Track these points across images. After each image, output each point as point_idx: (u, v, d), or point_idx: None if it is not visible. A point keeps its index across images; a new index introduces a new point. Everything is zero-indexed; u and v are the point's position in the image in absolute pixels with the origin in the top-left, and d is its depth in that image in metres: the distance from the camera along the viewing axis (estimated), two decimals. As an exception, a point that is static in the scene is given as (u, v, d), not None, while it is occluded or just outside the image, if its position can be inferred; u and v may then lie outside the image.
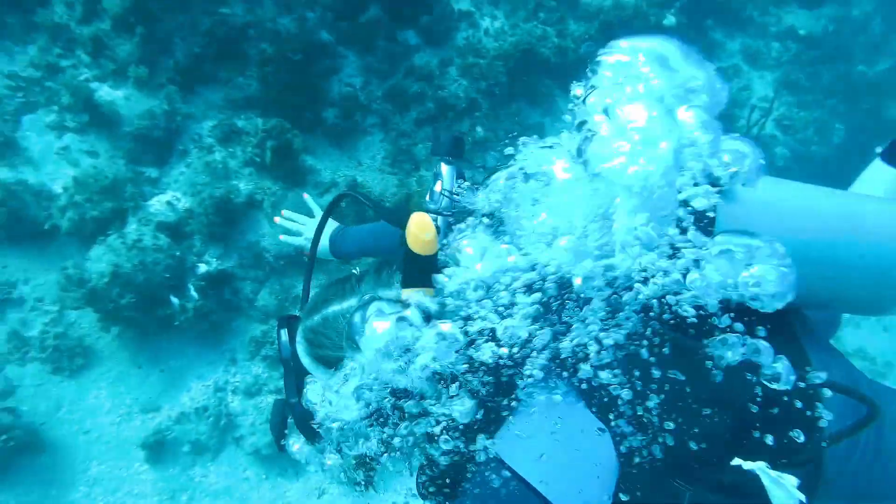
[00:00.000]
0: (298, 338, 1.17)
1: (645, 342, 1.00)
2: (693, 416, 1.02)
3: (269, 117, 4.29)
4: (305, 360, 1.15)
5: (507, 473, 0.99)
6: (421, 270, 0.98)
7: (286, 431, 1.21)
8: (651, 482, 1.06)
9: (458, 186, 1.20)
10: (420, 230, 0.96)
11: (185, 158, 4.27)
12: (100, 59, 4.26)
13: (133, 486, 3.80)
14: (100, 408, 3.90)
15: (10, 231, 3.89)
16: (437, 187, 1.21)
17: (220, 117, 4.41)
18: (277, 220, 2.06)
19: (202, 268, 3.96)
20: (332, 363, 1.10)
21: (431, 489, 1.08)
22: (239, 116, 4.44)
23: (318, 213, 2.07)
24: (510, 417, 1.02)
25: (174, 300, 3.79)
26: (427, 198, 1.25)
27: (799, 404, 1.02)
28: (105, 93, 4.21)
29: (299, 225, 2.06)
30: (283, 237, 2.06)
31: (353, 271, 1.18)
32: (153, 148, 4.22)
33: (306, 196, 2.19)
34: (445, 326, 0.94)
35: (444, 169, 1.22)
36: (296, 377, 1.16)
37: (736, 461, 1.01)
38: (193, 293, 3.84)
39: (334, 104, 4.68)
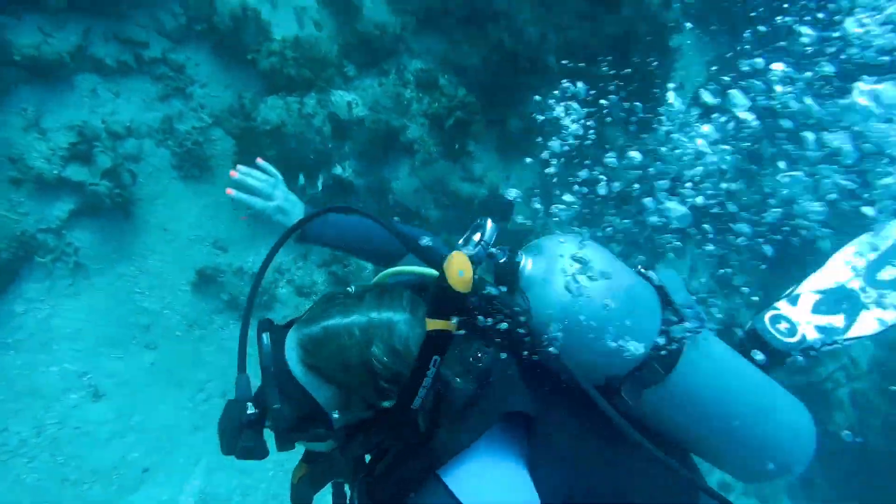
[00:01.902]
0: (291, 344, 1.12)
1: None
2: None
3: (470, 93, 4.66)
4: (297, 368, 1.10)
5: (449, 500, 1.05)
6: (451, 306, 1.06)
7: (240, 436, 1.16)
8: None
9: (495, 246, 1.28)
10: (461, 267, 1.05)
11: (383, 77, 4.68)
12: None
13: (168, 294, 4.19)
14: (185, 219, 4.32)
15: (221, 43, 4.38)
16: (476, 237, 1.25)
17: (431, 65, 4.81)
18: (234, 173, 1.69)
19: (338, 169, 4.34)
20: (326, 376, 1.08)
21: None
22: (444, 75, 4.83)
23: (277, 178, 1.76)
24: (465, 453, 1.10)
25: (302, 178, 4.17)
26: (461, 242, 1.28)
27: None
28: (362, -13, 4.69)
29: (259, 184, 1.70)
30: (232, 192, 1.66)
31: (349, 289, 1.18)
32: (364, 52, 4.65)
33: (261, 161, 1.77)
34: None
35: (489, 224, 1.27)
36: (277, 384, 1.10)
37: None
38: (319, 184, 4.22)
39: (523, 118, 5.02)
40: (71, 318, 3.91)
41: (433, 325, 1.05)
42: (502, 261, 1.27)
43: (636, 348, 1.23)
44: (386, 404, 1.09)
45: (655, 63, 5.16)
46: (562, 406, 1.24)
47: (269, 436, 1.14)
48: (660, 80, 5.15)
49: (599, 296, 1.22)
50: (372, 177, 4.52)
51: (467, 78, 4.81)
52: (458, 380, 1.14)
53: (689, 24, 5.88)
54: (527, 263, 1.28)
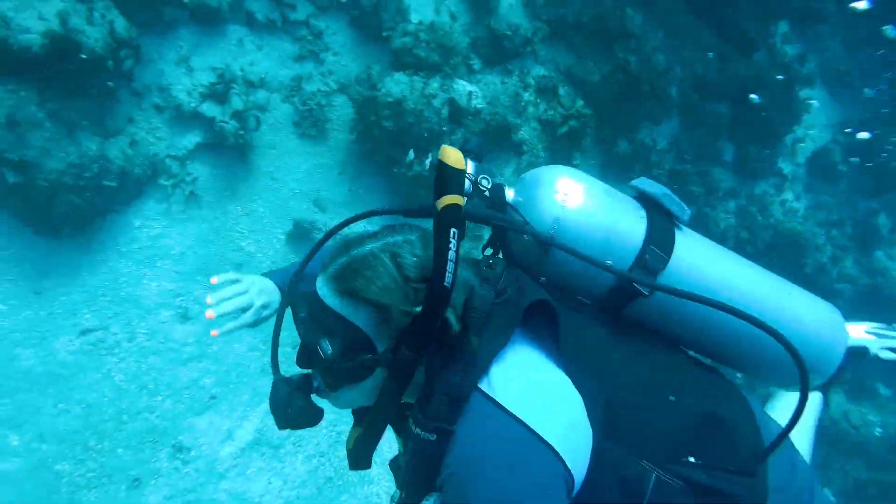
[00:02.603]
0: (321, 284, 1.18)
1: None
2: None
3: (587, 106, 4.78)
4: (331, 300, 1.15)
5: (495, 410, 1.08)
6: (454, 182, 1.08)
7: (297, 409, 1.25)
8: (617, 458, 1.18)
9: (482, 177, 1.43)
10: (451, 149, 1.10)
11: (506, 76, 4.87)
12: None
13: (264, 239, 4.49)
14: (294, 173, 4.62)
15: (360, 17, 4.70)
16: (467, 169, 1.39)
17: (553, 74, 4.97)
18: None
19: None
20: (361, 297, 1.13)
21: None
22: (564, 86, 4.98)
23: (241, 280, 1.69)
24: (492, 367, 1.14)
25: (412, 154, 4.39)
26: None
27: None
28: (501, -12, 4.92)
29: (236, 305, 1.64)
30: (216, 333, 1.62)
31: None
32: (492, 49, 4.87)
33: (216, 279, 1.68)
34: None
35: (468, 162, 1.43)
36: (317, 321, 1.16)
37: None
38: (426, 163, 4.43)
39: (632, 143, 5.09)
40: (177, 241, 4.25)
41: (442, 203, 1.07)
42: (489, 187, 1.41)
43: (633, 242, 1.38)
44: (419, 310, 1.12)
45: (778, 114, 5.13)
46: (577, 313, 1.33)
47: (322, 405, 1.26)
48: (781, 130, 5.11)
49: (585, 207, 1.38)
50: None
51: (586, 92, 4.93)
52: (478, 284, 1.19)
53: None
54: (508, 192, 1.43)
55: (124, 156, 3.94)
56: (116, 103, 4.04)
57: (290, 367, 1.28)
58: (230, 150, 4.36)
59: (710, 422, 1.29)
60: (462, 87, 4.58)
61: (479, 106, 4.59)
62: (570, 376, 1.17)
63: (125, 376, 3.93)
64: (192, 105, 4.23)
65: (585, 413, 1.15)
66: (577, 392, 1.16)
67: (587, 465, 1.14)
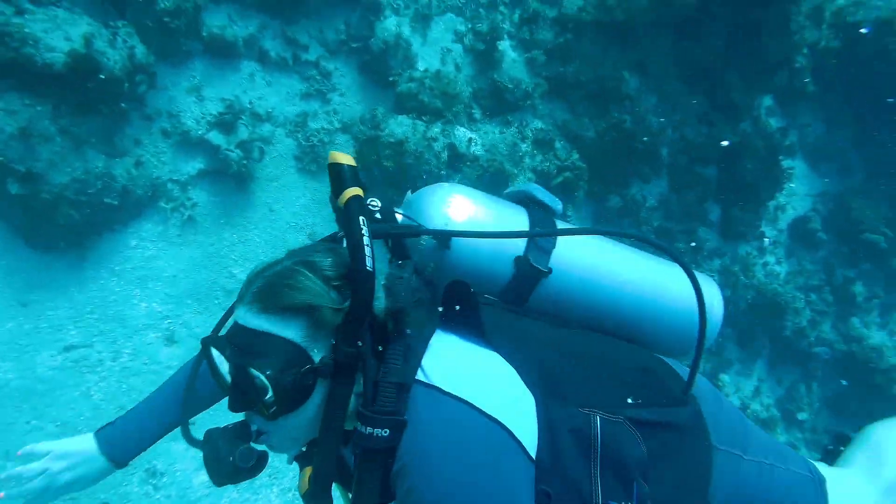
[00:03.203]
0: (240, 315, 1.18)
1: None
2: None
3: (582, 160, 5.04)
4: (257, 321, 1.15)
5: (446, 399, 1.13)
6: (350, 177, 1.20)
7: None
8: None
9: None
10: (338, 152, 1.24)
11: (505, 126, 5.15)
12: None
13: (258, 269, 4.57)
14: (291, 206, 4.76)
15: (369, 62, 4.97)
16: None
17: (550, 127, 5.26)
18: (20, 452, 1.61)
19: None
20: (286, 307, 1.14)
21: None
22: (561, 140, 5.26)
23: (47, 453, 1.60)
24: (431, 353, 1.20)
25: (409, 194, 4.57)
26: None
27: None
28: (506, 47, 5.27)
29: (33, 485, 1.58)
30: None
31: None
32: (493, 101, 5.16)
33: (21, 452, 1.65)
34: None
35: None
36: (247, 351, 1.15)
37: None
38: (423, 205, 4.61)
39: (623, 198, 5.35)
40: (170, 264, 4.32)
41: (344, 197, 1.17)
42: (378, 208, 1.46)
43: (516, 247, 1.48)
44: (348, 305, 1.16)
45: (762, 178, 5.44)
46: (488, 305, 1.42)
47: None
48: (764, 195, 5.41)
49: (472, 214, 1.48)
50: (471, 212, 4.89)
51: (580, 147, 5.22)
52: (394, 281, 1.25)
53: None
54: (397, 214, 1.52)
55: (128, 175, 4.06)
56: (126, 125, 4.19)
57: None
58: (231, 178, 4.51)
59: (636, 370, 1.45)
60: (462, 133, 4.82)
61: (478, 153, 4.82)
62: (498, 350, 1.25)
63: (104, 395, 3.91)
64: (200, 132, 4.40)
65: (521, 381, 1.23)
66: (508, 364, 1.24)
67: (537, 430, 1.20)
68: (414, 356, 1.18)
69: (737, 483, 1.47)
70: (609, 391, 1.37)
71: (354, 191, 1.19)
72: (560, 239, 1.54)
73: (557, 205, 1.66)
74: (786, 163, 5.49)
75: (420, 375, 1.17)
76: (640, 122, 5.08)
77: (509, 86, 5.07)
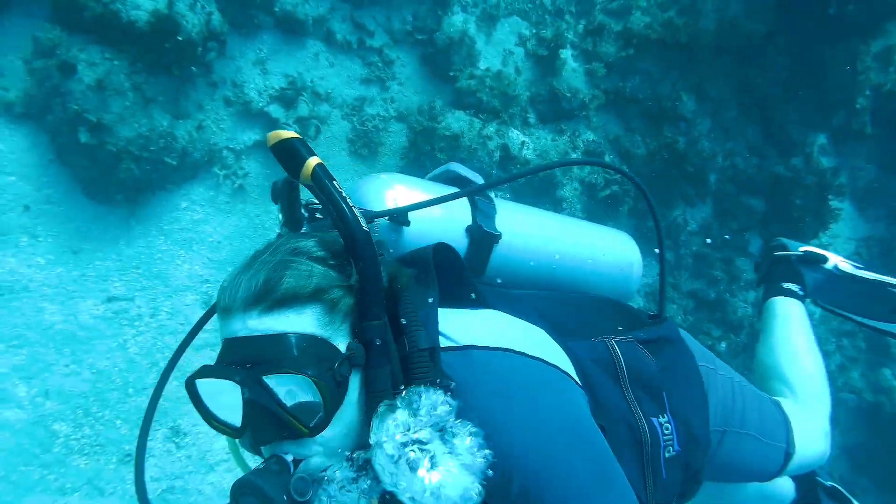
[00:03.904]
0: (237, 326, 1.05)
1: None
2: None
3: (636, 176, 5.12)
4: (265, 324, 1.03)
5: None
6: (303, 149, 1.12)
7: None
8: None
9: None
10: (277, 131, 1.15)
11: (558, 134, 5.25)
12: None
13: (300, 245, 4.71)
14: (340, 187, 4.90)
15: (432, 55, 5.11)
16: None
17: (602, 139, 5.36)
18: None
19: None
20: (293, 299, 1.04)
21: None
22: (611, 154, 5.35)
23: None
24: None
25: (458, 191, 4.70)
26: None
27: None
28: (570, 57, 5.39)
29: None
30: None
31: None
32: (549, 107, 5.27)
33: None
34: None
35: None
36: (264, 364, 1.02)
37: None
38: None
39: (665, 220, 5.43)
40: (216, 230, 4.47)
41: (307, 169, 1.08)
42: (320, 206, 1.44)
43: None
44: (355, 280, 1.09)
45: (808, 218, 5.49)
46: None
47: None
48: (808, 233, 5.46)
49: (414, 199, 1.55)
50: (515, 214, 5.00)
51: (629, 164, 5.31)
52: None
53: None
54: None
55: (189, 138, 4.22)
56: (192, 89, 4.35)
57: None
58: (285, 153, 4.65)
59: (609, 305, 1.69)
60: (516, 135, 4.94)
61: (529, 157, 4.93)
62: (496, 308, 1.29)
63: (139, 350, 4.05)
64: (260, 104, 4.56)
65: (536, 326, 1.28)
66: (513, 316, 1.27)
67: (571, 364, 1.26)
68: (432, 321, 1.11)
69: (716, 396, 1.67)
70: (603, 323, 1.54)
71: (316, 159, 1.10)
72: (500, 206, 1.73)
73: (479, 179, 1.82)
74: (833, 203, 5.54)
75: (443, 341, 1.12)
76: (694, 144, 5.16)
77: (567, 94, 5.18)
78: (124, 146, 3.89)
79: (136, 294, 4.13)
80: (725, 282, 5.44)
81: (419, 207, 1.50)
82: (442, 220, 1.59)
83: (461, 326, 1.18)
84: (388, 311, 1.09)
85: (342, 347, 1.06)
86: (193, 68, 4.19)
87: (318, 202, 1.41)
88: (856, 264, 2.16)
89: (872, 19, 5.13)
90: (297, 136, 1.14)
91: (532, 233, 1.77)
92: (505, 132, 4.86)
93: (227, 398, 1.06)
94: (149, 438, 3.71)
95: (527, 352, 1.17)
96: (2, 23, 3.89)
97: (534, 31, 5.35)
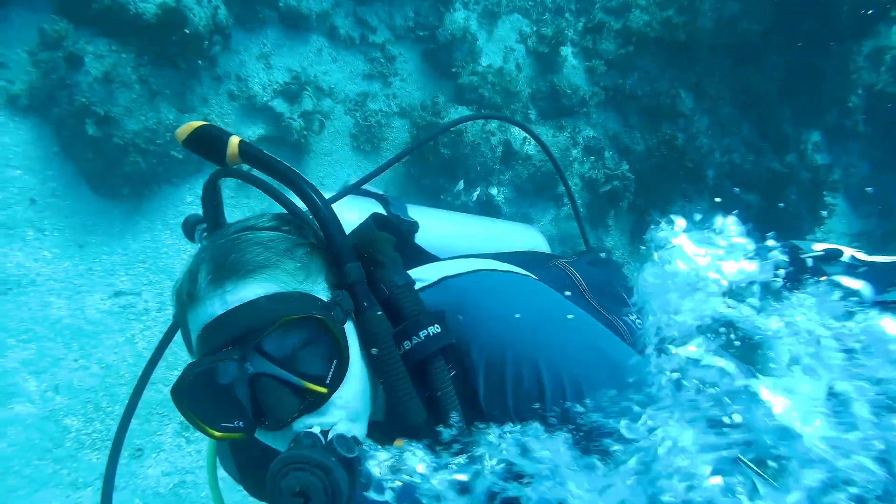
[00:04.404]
0: (216, 302, 0.99)
1: None
2: None
3: (631, 172, 5.28)
4: (248, 290, 0.99)
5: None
6: (219, 131, 1.12)
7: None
8: None
9: None
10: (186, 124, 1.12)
11: (558, 130, 5.38)
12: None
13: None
14: (342, 182, 4.99)
15: (433, 51, 5.21)
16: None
17: (601, 136, 5.50)
18: None
19: (494, 190, 4.96)
20: (275, 260, 1.03)
21: None
22: (610, 150, 5.50)
23: None
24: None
25: (461, 184, 4.80)
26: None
27: None
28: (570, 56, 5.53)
29: None
30: None
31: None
32: (550, 103, 5.40)
33: None
34: None
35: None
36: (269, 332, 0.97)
37: None
38: (474, 195, 4.83)
39: (664, 214, 5.58)
40: (221, 225, 4.53)
41: (231, 147, 1.11)
42: None
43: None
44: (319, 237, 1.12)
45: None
46: None
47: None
48: (804, 228, 5.65)
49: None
50: (518, 209, 5.12)
51: (628, 160, 5.46)
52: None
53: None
54: None
55: (195, 132, 4.28)
56: (197, 83, 4.42)
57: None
58: (289, 147, 4.73)
59: (542, 254, 1.93)
60: (518, 131, 5.06)
61: (531, 152, 5.05)
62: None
63: (147, 344, 4.10)
64: (265, 99, 4.63)
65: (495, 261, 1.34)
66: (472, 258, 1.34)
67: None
68: (398, 266, 1.14)
69: None
70: (546, 256, 1.78)
71: (237, 137, 1.11)
72: (410, 209, 1.88)
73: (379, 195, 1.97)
74: (828, 199, 5.74)
75: (417, 285, 1.15)
76: (692, 141, 5.32)
77: (567, 91, 5.31)
78: (131, 139, 3.95)
79: (142, 288, 4.18)
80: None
81: (336, 200, 1.62)
82: (360, 220, 1.48)
83: (427, 270, 1.23)
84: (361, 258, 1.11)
85: (327, 299, 1.05)
86: (199, 62, 4.26)
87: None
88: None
89: (864, 20, 5.34)
90: (207, 122, 1.12)
91: (445, 228, 1.92)
92: (507, 128, 4.97)
93: (219, 400, 1.00)
94: (158, 434, 3.74)
95: (499, 269, 1.24)
96: (6, 15, 3.93)
97: (534, 28, 5.48)
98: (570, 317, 1.15)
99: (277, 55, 4.80)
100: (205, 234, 1.29)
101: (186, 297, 1.03)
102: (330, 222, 1.08)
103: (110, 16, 3.79)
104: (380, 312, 1.06)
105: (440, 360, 1.07)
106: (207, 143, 1.11)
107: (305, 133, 4.66)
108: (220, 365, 0.97)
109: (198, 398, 0.99)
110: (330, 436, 0.98)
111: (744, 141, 5.79)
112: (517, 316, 1.10)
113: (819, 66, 5.47)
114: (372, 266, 1.12)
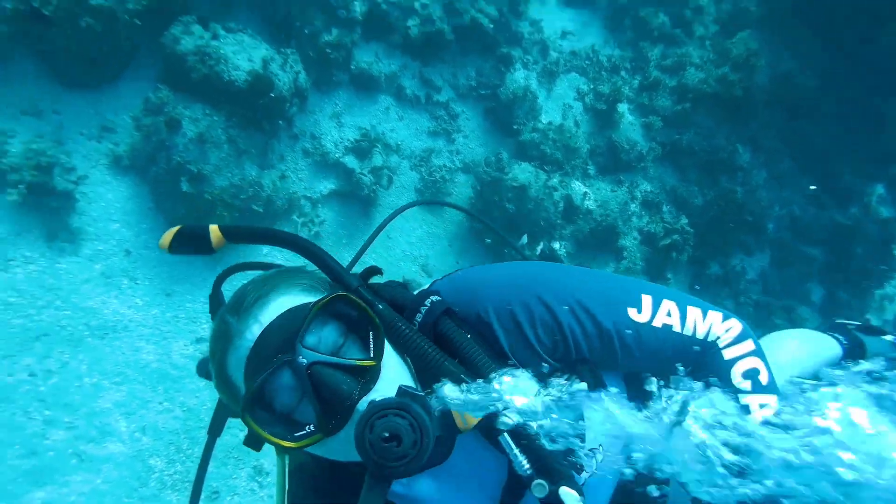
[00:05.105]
0: (254, 327, 1.07)
1: None
2: None
3: (690, 225, 5.46)
4: (291, 299, 1.10)
5: None
6: (200, 227, 1.24)
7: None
8: None
9: None
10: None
11: (616, 185, 5.63)
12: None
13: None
14: (408, 236, 5.29)
15: (494, 109, 5.57)
16: None
17: (658, 190, 5.72)
18: None
19: (556, 244, 5.20)
20: (288, 285, 1.13)
21: None
22: (668, 204, 5.70)
23: None
24: None
25: (525, 238, 5.06)
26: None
27: None
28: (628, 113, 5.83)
29: None
30: None
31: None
32: (608, 159, 5.67)
33: None
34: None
35: None
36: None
37: None
38: (537, 249, 5.07)
39: (723, 267, 5.71)
40: (294, 275, 4.86)
41: (214, 232, 1.26)
42: None
43: None
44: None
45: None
46: None
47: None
48: (874, 283, 5.69)
49: None
50: (579, 263, 5.33)
51: (687, 213, 5.64)
52: None
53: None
54: None
55: (273, 187, 4.66)
56: (276, 141, 4.83)
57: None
58: (358, 202, 5.08)
59: None
60: (578, 186, 5.32)
61: (591, 207, 5.30)
62: None
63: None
64: (336, 155, 5.01)
65: None
66: None
67: None
68: (394, 285, 1.30)
69: None
70: None
71: (214, 225, 1.26)
72: None
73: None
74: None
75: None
76: (752, 193, 5.49)
77: (625, 146, 5.57)
78: (219, 194, 4.33)
79: (202, 318, 4.50)
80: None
81: (355, 260, 1.71)
82: None
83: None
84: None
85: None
86: (280, 122, 4.67)
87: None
88: None
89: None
90: (180, 226, 1.24)
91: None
92: (568, 183, 5.24)
93: (287, 409, 1.09)
94: (233, 478, 3.98)
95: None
96: (117, 87, 4.43)
97: (591, 86, 5.81)
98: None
99: (348, 114, 5.20)
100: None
101: (222, 344, 1.10)
102: (323, 255, 1.22)
103: (206, 83, 4.24)
104: (387, 304, 1.19)
105: (448, 321, 1.20)
106: (190, 240, 1.24)
107: (375, 188, 5.00)
108: (277, 371, 1.04)
109: (267, 413, 1.07)
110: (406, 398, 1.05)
111: (803, 193, 5.93)
112: (508, 274, 1.29)
113: (879, 117, 5.62)
114: (371, 287, 1.25)
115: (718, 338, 1.27)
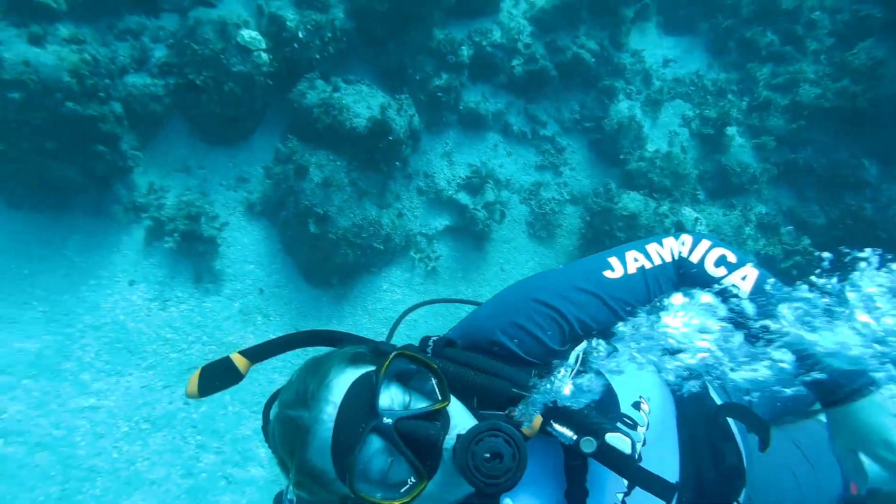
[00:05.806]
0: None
1: None
2: None
3: (816, 245, 5.31)
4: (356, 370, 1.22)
5: None
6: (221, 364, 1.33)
7: None
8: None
9: None
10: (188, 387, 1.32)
11: (729, 209, 5.58)
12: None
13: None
14: (521, 268, 5.47)
15: (599, 141, 5.71)
16: None
17: (775, 212, 5.62)
18: None
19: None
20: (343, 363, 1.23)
21: None
22: (787, 225, 5.58)
23: None
24: None
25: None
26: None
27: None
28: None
29: None
30: None
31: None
32: (718, 183, 5.64)
33: None
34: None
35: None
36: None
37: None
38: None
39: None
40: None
41: (238, 361, 1.40)
42: None
43: None
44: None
45: None
46: None
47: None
48: None
49: None
50: (695, 288, 5.30)
51: (808, 233, 5.49)
52: None
53: None
54: None
55: (392, 225, 5.00)
56: (392, 182, 5.19)
57: None
58: (471, 236, 5.33)
59: None
60: (689, 212, 5.33)
61: (703, 231, 5.28)
62: None
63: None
64: (449, 192, 5.30)
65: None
66: None
67: None
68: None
69: None
70: None
71: (235, 353, 1.38)
72: None
73: None
74: None
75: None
76: (883, 210, 5.29)
77: (736, 169, 5.54)
78: (342, 234, 4.70)
79: None
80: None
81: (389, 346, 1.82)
82: None
83: None
84: None
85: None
86: (396, 163, 5.03)
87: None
88: None
89: None
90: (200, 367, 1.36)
91: None
92: (678, 209, 5.26)
93: (385, 471, 1.15)
94: None
95: None
96: (251, 141, 4.96)
97: (697, 111, 5.84)
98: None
99: (458, 152, 5.51)
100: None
101: (301, 448, 1.15)
102: (344, 333, 1.49)
103: (330, 131, 4.67)
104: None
105: (452, 350, 1.37)
106: (216, 376, 1.33)
107: (489, 222, 5.24)
108: (366, 440, 1.11)
109: (366, 484, 1.14)
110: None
111: (941, 209, 5.63)
112: (500, 298, 1.47)
113: None
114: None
115: (680, 252, 1.48)
